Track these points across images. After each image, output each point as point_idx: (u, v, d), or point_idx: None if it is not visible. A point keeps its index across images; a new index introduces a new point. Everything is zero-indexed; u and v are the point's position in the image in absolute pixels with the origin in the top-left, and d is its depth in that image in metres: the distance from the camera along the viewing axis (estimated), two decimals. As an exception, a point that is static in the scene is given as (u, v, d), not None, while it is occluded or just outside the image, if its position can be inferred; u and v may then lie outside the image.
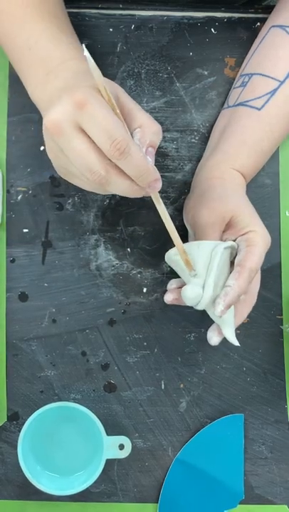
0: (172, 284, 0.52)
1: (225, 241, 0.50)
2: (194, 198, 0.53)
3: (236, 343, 0.50)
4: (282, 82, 0.53)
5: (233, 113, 0.55)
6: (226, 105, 0.57)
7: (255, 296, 0.52)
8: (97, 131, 0.38)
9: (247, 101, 0.54)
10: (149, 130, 0.41)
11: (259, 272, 0.52)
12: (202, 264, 0.48)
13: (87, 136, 0.39)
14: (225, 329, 0.50)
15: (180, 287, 0.51)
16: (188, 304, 0.48)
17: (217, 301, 0.47)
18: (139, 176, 0.39)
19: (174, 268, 0.51)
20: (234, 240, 0.50)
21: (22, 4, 0.49)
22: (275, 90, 0.53)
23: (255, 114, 0.54)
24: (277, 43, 0.54)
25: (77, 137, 0.38)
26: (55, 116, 0.38)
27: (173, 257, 0.50)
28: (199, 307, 0.48)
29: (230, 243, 0.49)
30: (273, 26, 0.55)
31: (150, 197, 0.56)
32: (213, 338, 0.50)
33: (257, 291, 0.52)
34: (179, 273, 0.51)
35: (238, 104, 0.55)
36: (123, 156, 0.38)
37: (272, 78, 0.53)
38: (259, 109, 0.53)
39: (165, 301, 0.51)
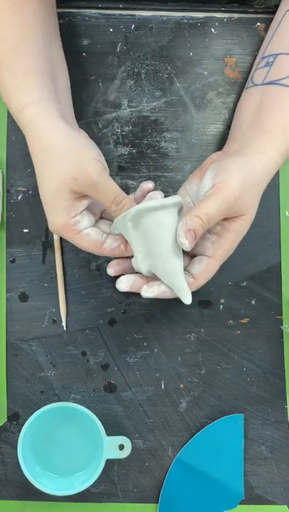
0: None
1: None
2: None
3: (188, 300, 0.50)
4: None
5: (265, 91, 0.54)
6: (249, 84, 0.56)
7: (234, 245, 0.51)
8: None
9: (278, 80, 0.53)
10: (113, 210, 0.51)
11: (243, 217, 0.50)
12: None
13: None
14: (180, 291, 0.50)
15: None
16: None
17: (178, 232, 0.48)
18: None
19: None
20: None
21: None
22: None
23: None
24: None
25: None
26: (51, 228, 0.51)
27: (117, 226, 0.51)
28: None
29: (152, 203, 0.48)
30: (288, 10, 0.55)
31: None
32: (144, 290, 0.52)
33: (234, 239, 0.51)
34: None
35: (269, 83, 0.53)
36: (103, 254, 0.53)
37: None
38: None
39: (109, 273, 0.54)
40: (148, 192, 0.55)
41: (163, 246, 0.48)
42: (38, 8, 0.52)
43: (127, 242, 0.52)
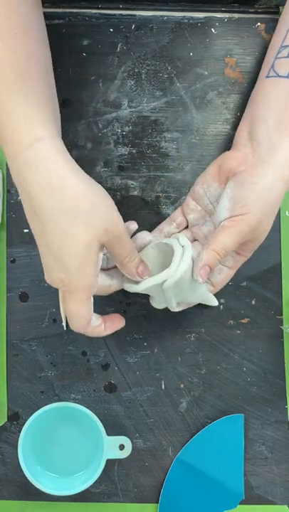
0: None
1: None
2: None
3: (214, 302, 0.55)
4: None
5: None
6: (271, 73, 0.53)
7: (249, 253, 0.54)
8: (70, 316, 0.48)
9: None
10: (128, 266, 0.49)
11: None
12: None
13: None
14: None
15: None
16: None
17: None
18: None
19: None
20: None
21: None
22: None
23: None
24: None
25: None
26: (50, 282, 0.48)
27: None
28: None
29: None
30: None
31: (152, 198, 0.56)
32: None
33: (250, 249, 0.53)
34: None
35: None
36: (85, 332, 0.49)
37: None
38: None
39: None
40: (132, 231, 0.54)
41: (189, 283, 0.51)
42: (39, 34, 0.50)
43: (107, 321, 0.51)
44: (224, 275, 0.54)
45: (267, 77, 0.54)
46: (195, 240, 0.56)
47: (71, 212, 0.44)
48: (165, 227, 0.56)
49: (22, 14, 0.47)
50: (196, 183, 0.55)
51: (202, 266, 0.48)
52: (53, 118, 0.47)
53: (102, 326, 0.50)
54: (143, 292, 0.51)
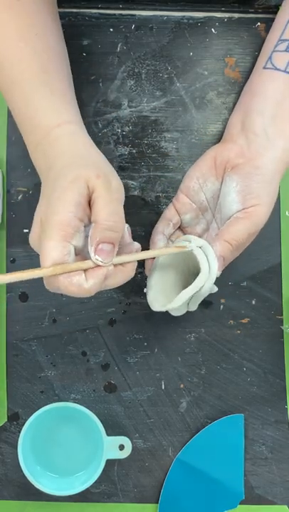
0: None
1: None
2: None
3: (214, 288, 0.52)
4: None
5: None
6: (268, 64, 0.53)
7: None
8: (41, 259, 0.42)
9: None
10: (102, 226, 0.42)
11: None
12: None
13: None
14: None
15: None
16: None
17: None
18: None
19: None
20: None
21: (14, 58, 0.48)
22: None
23: None
24: None
25: None
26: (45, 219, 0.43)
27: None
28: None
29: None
30: None
31: (152, 198, 0.56)
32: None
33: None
34: None
35: None
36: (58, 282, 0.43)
37: None
38: None
39: None
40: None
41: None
42: (56, 32, 0.52)
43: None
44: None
45: (264, 68, 0.54)
46: None
47: (69, 164, 0.44)
48: (165, 229, 0.54)
49: (35, 13, 0.50)
50: (189, 177, 0.53)
51: (218, 257, 0.49)
52: (74, 107, 0.50)
53: (82, 275, 0.42)
54: (174, 308, 0.49)
